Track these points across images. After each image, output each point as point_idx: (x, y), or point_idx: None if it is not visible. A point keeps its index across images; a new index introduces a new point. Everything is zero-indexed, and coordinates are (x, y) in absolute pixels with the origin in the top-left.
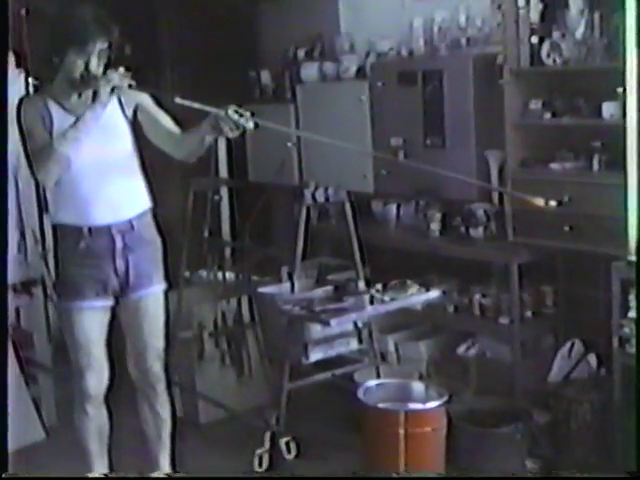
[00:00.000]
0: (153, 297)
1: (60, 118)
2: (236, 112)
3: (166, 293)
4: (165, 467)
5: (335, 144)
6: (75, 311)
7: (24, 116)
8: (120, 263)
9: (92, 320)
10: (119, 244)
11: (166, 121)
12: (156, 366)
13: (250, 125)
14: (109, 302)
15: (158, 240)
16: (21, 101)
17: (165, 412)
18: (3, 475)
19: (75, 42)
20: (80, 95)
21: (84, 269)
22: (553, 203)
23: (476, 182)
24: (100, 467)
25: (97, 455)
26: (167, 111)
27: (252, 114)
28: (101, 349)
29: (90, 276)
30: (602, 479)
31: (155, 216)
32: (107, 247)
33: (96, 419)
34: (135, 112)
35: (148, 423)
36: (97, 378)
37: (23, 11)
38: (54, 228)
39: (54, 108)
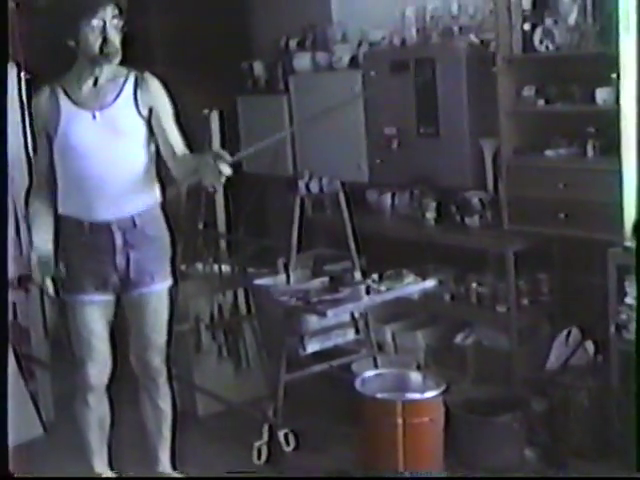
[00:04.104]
0: (155, 294)
1: (69, 112)
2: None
3: (171, 289)
4: (165, 460)
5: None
6: (77, 304)
7: (33, 115)
8: (120, 260)
9: (93, 313)
10: (119, 241)
11: (173, 135)
12: (156, 360)
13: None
14: (109, 297)
15: (165, 236)
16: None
17: (166, 405)
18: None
19: (86, 12)
20: (95, 83)
21: (85, 263)
22: None
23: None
24: (99, 460)
25: (97, 447)
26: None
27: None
28: (103, 341)
29: (90, 270)
30: (602, 479)
31: (164, 211)
32: (107, 243)
33: (97, 410)
34: (150, 113)
35: (148, 416)
36: (98, 369)
37: (13, 4)
38: (58, 220)
39: (63, 101)
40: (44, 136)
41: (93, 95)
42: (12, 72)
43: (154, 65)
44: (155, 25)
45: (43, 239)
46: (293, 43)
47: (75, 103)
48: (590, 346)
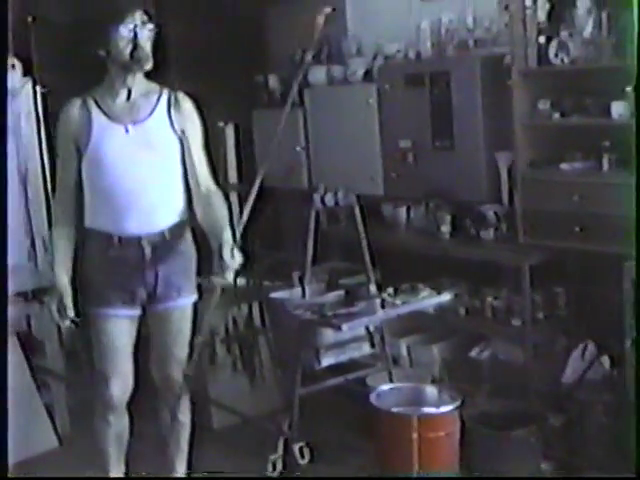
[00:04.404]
0: (180, 309)
1: (101, 125)
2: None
3: (195, 303)
4: (181, 472)
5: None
6: (102, 318)
7: (62, 126)
8: (149, 274)
9: (118, 328)
10: (148, 255)
11: (201, 167)
12: (177, 373)
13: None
14: (136, 311)
15: (192, 251)
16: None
17: (185, 418)
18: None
19: (116, 19)
20: (129, 97)
21: (112, 276)
22: None
23: None
24: (117, 472)
25: (114, 460)
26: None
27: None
28: (127, 357)
29: (117, 284)
30: (602, 479)
31: (192, 226)
32: (136, 257)
33: (116, 426)
34: (183, 133)
35: (167, 428)
36: (120, 386)
37: (30, 18)
38: (83, 234)
39: (95, 113)
40: (73, 148)
41: (127, 109)
42: (28, 86)
43: (169, 78)
44: (170, 37)
45: (63, 273)
46: (308, 56)
47: (108, 116)
48: (606, 360)
